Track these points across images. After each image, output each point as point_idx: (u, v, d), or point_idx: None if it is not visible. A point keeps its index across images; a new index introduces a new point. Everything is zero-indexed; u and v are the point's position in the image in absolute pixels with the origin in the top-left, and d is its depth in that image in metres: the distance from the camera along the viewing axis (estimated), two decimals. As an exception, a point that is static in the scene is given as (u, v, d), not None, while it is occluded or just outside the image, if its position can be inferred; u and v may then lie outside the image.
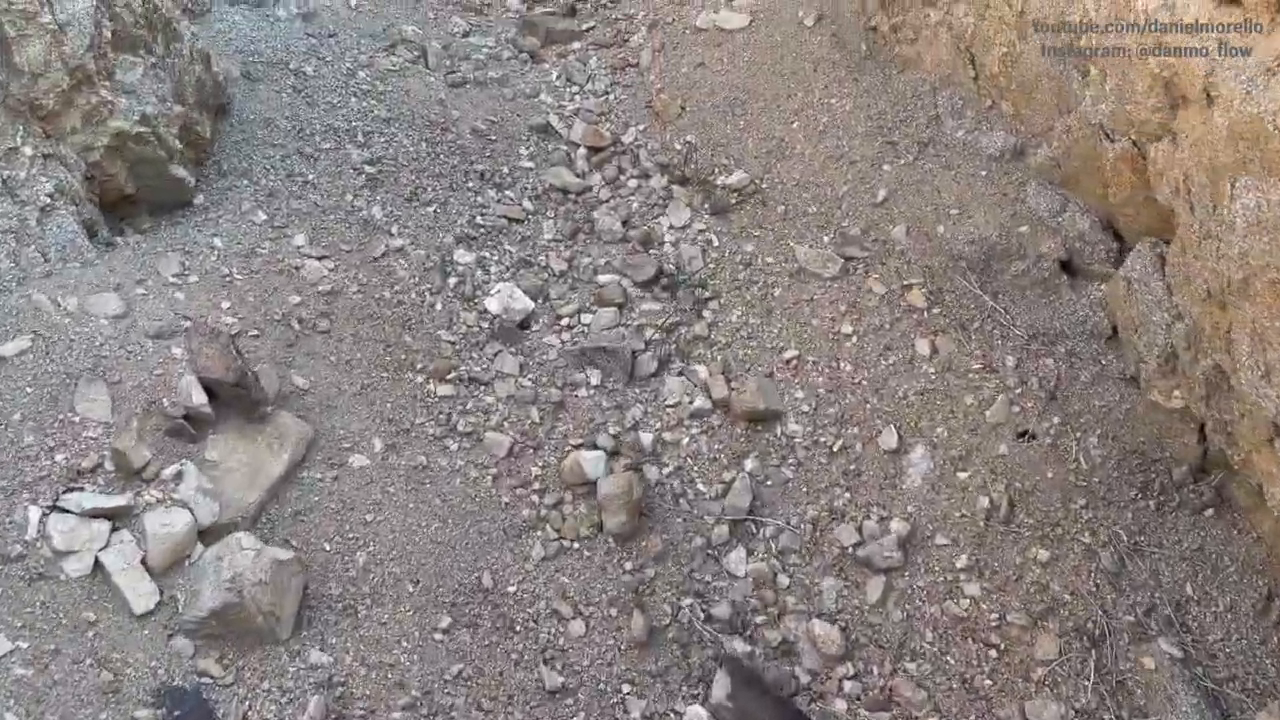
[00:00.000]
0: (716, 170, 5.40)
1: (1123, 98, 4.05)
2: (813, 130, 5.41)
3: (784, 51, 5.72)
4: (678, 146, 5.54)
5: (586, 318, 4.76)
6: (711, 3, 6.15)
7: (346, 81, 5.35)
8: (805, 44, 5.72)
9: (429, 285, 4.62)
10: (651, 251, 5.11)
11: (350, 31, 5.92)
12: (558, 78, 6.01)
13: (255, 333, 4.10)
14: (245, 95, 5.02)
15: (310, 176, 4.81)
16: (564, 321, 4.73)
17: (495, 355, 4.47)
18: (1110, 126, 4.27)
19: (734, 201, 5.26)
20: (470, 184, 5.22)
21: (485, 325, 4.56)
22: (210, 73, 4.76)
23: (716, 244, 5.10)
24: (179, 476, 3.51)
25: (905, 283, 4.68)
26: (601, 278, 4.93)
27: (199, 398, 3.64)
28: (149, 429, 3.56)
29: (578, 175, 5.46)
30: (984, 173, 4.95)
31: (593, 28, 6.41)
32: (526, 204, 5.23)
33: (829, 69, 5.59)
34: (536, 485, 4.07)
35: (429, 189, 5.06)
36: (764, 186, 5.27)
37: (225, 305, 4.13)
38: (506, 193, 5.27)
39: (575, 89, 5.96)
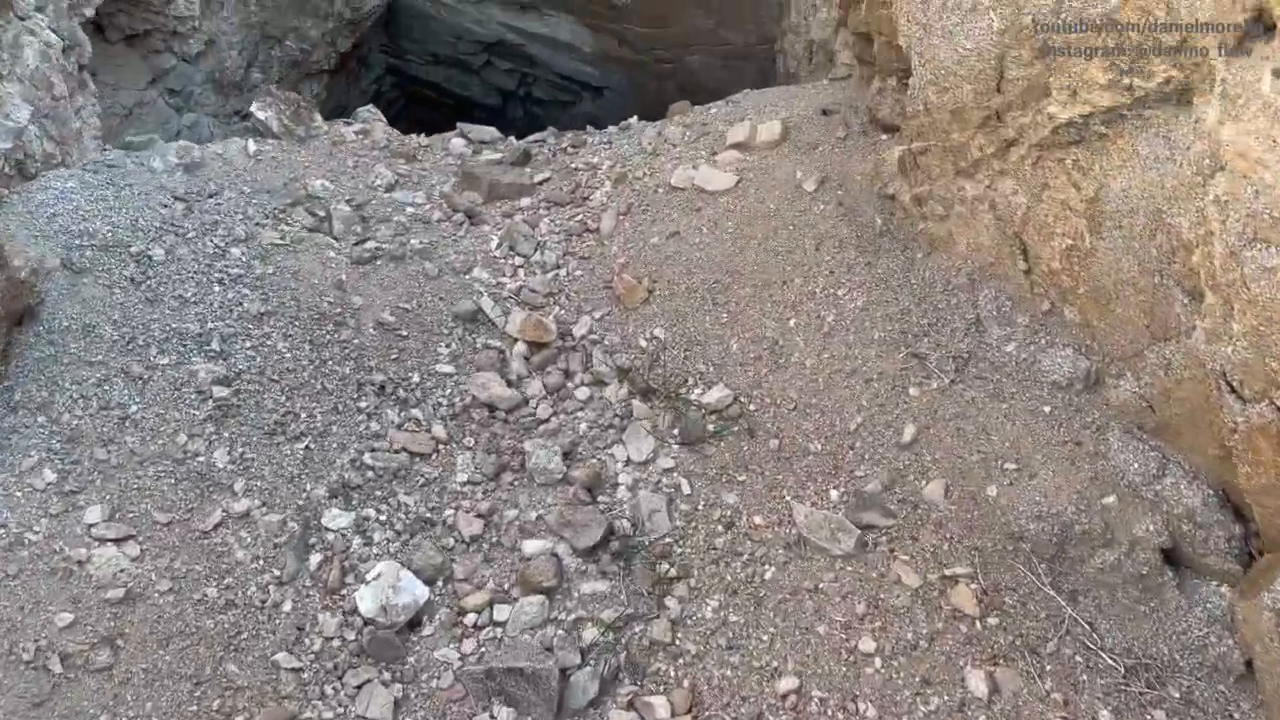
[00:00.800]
0: (690, 380, 4.14)
1: (1264, 348, 2.80)
2: (815, 331, 4.17)
3: (778, 222, 4.52)
4: (642, 343, 4.30)
5: (502, 611, 3.43)
6: (690, 156, 4.99)
7: (211, 265, 4.13)
8: (805, 214, 4.53)
9: (277, 573, 3.30)
10: (600, 500, 3.81)
11: (241, 188, 4.74)
12: (498, 246, 4.80)
13: (-18, 689, 2.79)
14: (63, 293, 3.78)
15: (133, 409, 3.54)
16: (469, 620, 3.39)
17: (360, 688, 3.11)
18: (1237, 378, 3.00)
19: (712, 428, 3.99)
20: (363, 403, 3.95)
21: (351, 636, 3.22)
22: (6, 268, 3.54)
23: (688, 491, 3.81)
24: None
25: (947, 573, 3.36)
26: (528, 545, 3.62)
27: None
28: None
29: (511, 383, 4.20)
30: (1047, 408, 3.68)
31: (547, 180, 5.24)
32: (438, 429, 3.96)
33: (835, 248, 4.39)
34: None
35: (303, 416, 3.79)
36: (751, 408, 4.00)
37: (-57, 644, 2.83)
38: (413, 412, 4.00)
39: (519, 261, 4.75)
